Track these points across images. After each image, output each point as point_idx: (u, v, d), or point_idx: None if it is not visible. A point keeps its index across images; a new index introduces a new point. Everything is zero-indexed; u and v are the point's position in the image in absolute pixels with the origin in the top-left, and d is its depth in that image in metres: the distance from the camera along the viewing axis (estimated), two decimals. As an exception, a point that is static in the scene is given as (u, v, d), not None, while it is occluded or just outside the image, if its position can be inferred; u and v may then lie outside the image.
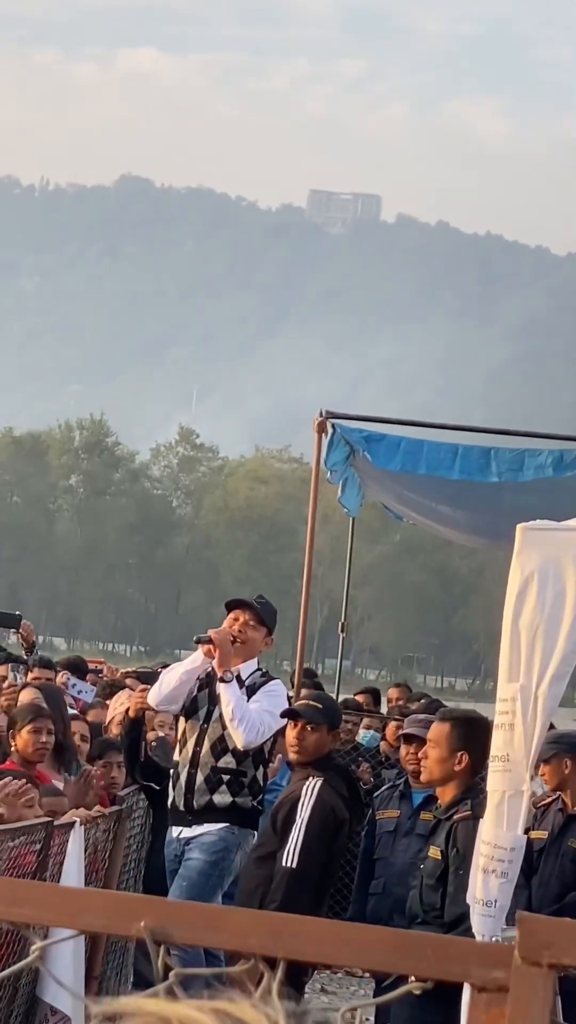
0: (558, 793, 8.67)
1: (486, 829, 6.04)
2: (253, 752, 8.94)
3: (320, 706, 8.19)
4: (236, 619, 9.13)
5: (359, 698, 16.62)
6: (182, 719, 9.16)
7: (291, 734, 8.04)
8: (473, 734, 7.23)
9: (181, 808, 8.94)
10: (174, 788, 9.02)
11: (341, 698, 14.41)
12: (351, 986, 11.97)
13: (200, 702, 9.08)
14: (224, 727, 8.90)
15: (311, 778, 7.88)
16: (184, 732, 9.11)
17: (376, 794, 10.35)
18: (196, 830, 8.90)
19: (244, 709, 8.84)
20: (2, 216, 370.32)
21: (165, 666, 10.44)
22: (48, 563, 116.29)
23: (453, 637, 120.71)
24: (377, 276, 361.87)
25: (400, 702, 16.67)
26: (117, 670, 17.87)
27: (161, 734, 10.75)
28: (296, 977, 7.20)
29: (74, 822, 7.93)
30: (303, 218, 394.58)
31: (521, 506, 11.59)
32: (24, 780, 7.78)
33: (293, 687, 12.66)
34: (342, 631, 16.24)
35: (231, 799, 8.89)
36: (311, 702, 8.33)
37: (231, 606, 9.32)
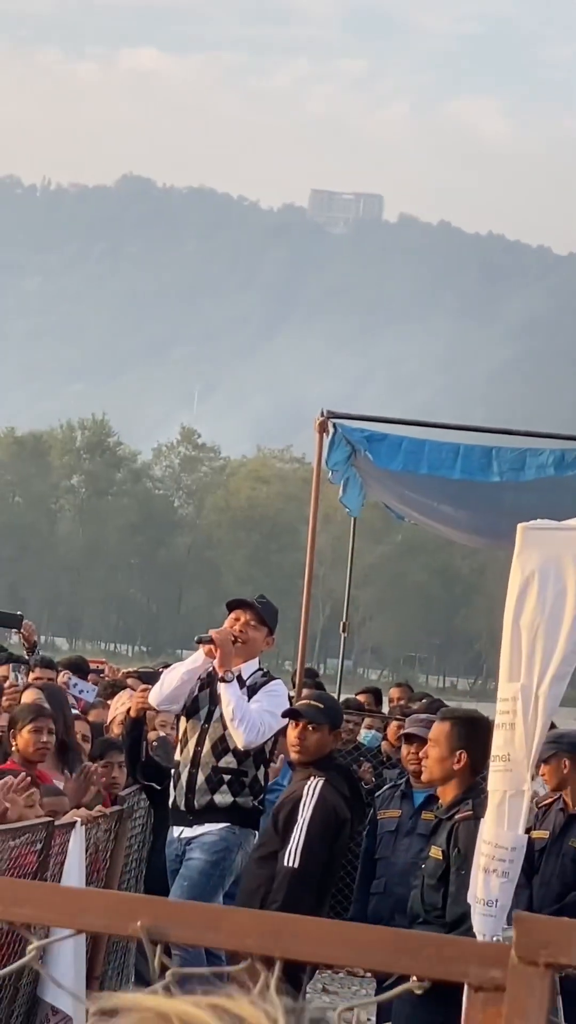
0: (560, 793, 8.67)
1: (487, 829, 6.04)
2: (254, 752, 8.94)
3: (321, 706, 8.19)
4: (237, 619, 9.13)
5: (360, 698, 16.62)
6: (183, 719, 9.16)
7: (292, 734, 8.04)
8: (473, 733, 7.23)
9: (182, 808, 8.94)
10: (175, 788, 9.02)
11: (342, 698, 14.41)
12: (353, 986, 11.97)
13: (201, 702, 9.08)
14: (225, 727, 8.90)
15: (313, 778, 7.88)
16: (185, 732, 9.11)
17: (377, 794, 10.35)
18: (197, 830, 8.90)
19: (244, 709, 8.84)
20: (4, 216, 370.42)
21: (166, 666, 10.44)
22: (50, 563, 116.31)
23: (455, 637, 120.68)
24: (379, 276, 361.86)
25: (401, 702, 16.67)
26: (118, 670, 17.88)
27: (162, 734, 10.75)
28: (294, 976, 7.19)
29: (75, 822, 7.93)
30: (305, 218, 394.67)
31: (522, 506, 11.59)
32: (25, 774, 7.79)
33: (295, 687, 12.66)
34: (344, 631, 16.24)
35: (232, 799, 8.89)
36: (312, 702, 8.33)
37: (232, 606, 9.32)
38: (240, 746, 8.85)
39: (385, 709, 16.99)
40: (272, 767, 9.93)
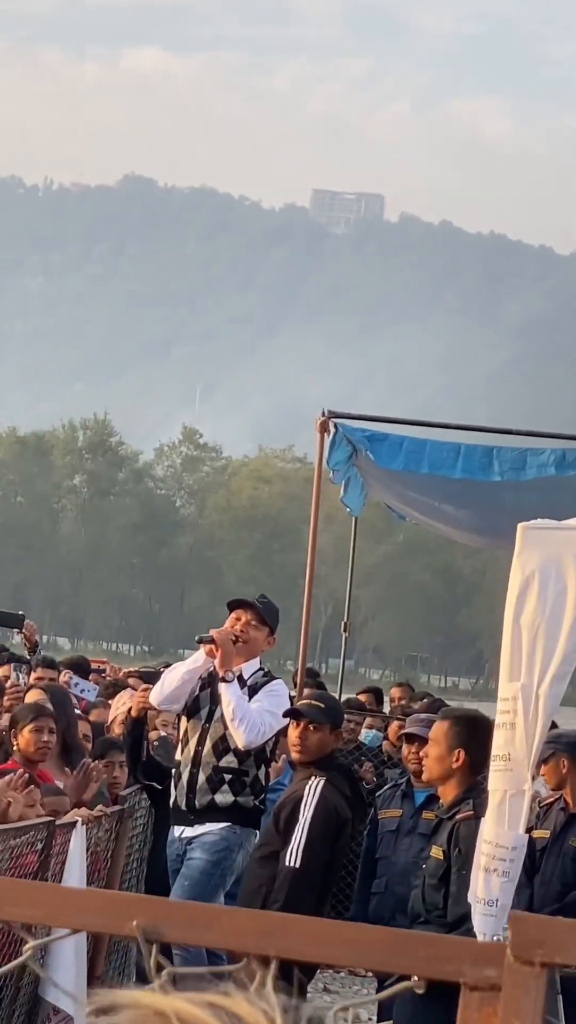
0: (561, 792, 8.67)
1: (488, 828, 6.04)
2: (255, 751, 8.94)
3: (322, 705, 8.19)
4: (238, 619, 9.13)
5: (361, 697, 16.63)
6: (184, 718, 9.16)
7: (293, 734, 8.04)
8: (473, 732, 7.22)
9: (183, 807, 8.94)
10: (176, 787, 9.02)
11: (344, 698, 14.41)
12: (354, 985, 11.97)
13: (202, 701, 9.08)
14: (226, 726, 8.90)
15: (314, 778, 7.89)
16: (186, 731, 9.12)
17: (378, 793, 10.35)
18: (198, 829, 8.90)
19: (245, 709, 8.84)
20: (6, 216, 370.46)
21: (167, 666, 10.44)
22: (52, 563, 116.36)
23: (456, 636, 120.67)
24: (380, 275, 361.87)
25: (402, 701, 16.69)
26: (120, 670, 17.89)
27: (163, 733, 10.75)
28: (292, 975, 7.19)
29: (76, 822, 7.92)
30: (306, 218, 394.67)
31: (523, 505, 11.59)
32: (24, 772, 7.79)
33: (296, 687, 12.66)
34: (345, 631, 16.24)
35: (233, 798, 8.89)
36: (313, 701, 8.33)
37: (233, 606, 9.32)
38: (241, 746, 8.85)
39: (386, 709, 17.00)
40: (274, 767, 9.93)
